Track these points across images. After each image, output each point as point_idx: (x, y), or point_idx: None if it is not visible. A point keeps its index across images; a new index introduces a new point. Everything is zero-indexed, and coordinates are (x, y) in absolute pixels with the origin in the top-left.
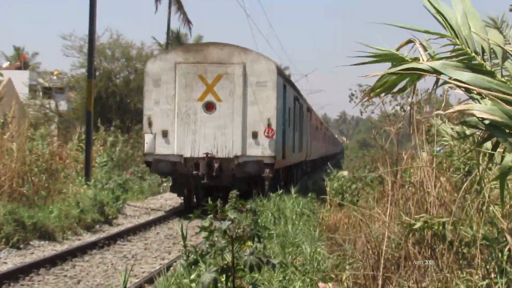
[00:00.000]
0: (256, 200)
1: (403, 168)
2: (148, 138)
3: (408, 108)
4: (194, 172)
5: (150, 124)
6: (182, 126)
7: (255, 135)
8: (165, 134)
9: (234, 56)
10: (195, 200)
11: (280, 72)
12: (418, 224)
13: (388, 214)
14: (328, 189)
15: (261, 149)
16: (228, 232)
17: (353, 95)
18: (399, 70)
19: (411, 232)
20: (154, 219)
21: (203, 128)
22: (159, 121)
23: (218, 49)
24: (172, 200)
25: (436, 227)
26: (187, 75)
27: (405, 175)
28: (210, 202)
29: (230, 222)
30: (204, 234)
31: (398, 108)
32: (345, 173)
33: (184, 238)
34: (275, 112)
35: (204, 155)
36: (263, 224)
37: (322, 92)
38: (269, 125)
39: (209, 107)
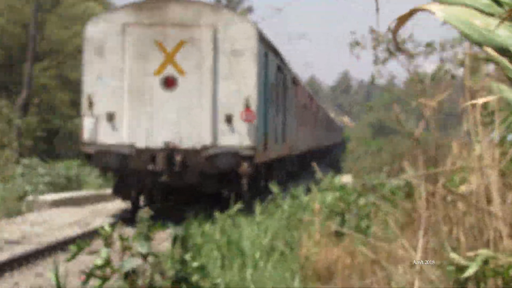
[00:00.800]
0: (191, 222)
1: (447, 171)
2: (88, 122)
3: (458, 67)
4: (149, 167)
5: (90, 104)
6: (134, 107)
7: (229, 119)
8: (111, 117)
9: (202, 16)
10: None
11: (262, 37)
12: (473, 267)
13: (420, 248)
14: (316, 205)
15: (238, 137)
16: (133, 278)
17: (357, 44)
18: None
19: (461, 280)
20: (9, 259)
21: (162, 110)
22: (104, 101)
23: (181, 7)
24: (43, 225)
25: (506, 272)
26: (140, 41)
27: (452, 182)
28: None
29: (138, 262)
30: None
31: (438, 67)
32: (347, 178)
33: None
34: (256, 90)
35: (163, 146)
36: (198, 266)
37: (305, 38)
38: (247, 106)
39: (169, 82)
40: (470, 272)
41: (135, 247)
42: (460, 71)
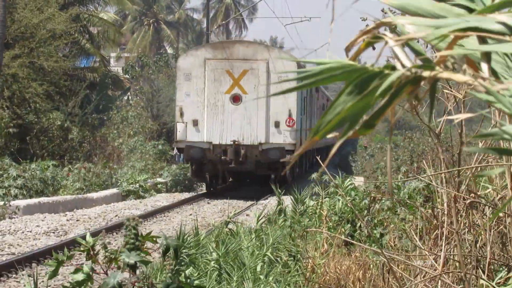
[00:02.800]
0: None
1: (474, 172)
2: (180, 127)
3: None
4: (222, 157)
5: (181, 114)
6: (211, 116)
7: (277, 124)
8: (195, 123)
9: (258, 53)
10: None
11: (300, 67)
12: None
13: (442, 261)
14: (324, 212)
15: (283, 137)
16: None
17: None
18: None
19: None
20: None
21: (230, 118)
22: (190, 112)
23: (244, 47)
24: (16, 234)
25: None
26: (216, 70)
27: (479, 185)
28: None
29: (123, 275)
30: None
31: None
32: (359, 180)
33: None
34: (295, 104)
35: (232, 143)
36: (194, 282)
37: (306, 21)
38: (290, 116)
39: (236, 99)
40: None
41: (122, 258)
42: None
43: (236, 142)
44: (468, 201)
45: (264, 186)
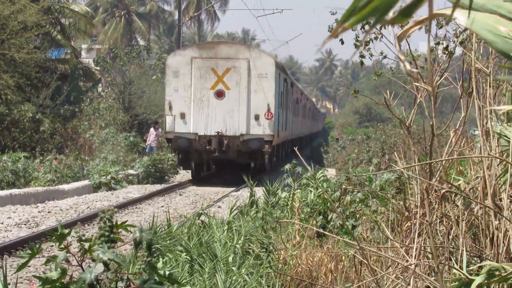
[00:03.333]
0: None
1: (445, 163)
2: (169, 119)
3: (457, 44)
4: (207, 147)
5: (170, 108)
6: (197, 109)
7: (257, 117)
8: (183, 116)
9: (240, 53)
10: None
11: (278, 65)
12: (478, 280)
13: (415, 253)
14: (296, 204)
15: (262, 128)
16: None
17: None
18: None
19: None
20: None
21: (214, 111)
22: (178, 105)
23: (227, 47)
24: None
25: None
26: (201, 68)
27: (450, 175)
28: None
29: (101, 269)
30: None
31: (435, 45)
32: (331, 172)
33: None
34: (273, 99)
35: (216, 133)
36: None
37: (278, 13)
38: (268, 110)
39: (219, 94)
40: (475, 284)
41: (97, 252)
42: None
43: (219, 133)
44: (443, 191)
45: (245, 173)
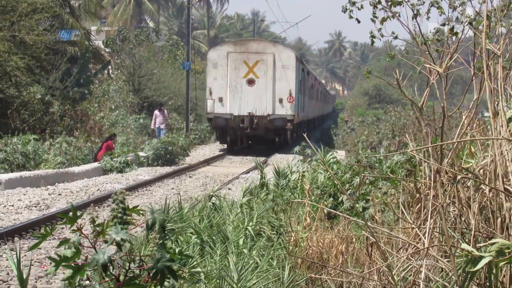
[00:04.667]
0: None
1: (456, 145)
2: (209, 102)
3: (467, 26)
4: (240, 125)
5: (210, 93)
6: (232, 94)
7: (281, 101)
8: (221, 100)
9: (267, 48)
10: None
11: (298, 58)
12: (486, 257)
13: (426, 234)
14: (306, 186)
15: (285, 110)
16: (111, 268)
17: (354, 3)
18: None
19: (472, 271)
20: None
21: (246, 96)
22: (217, 91)
23: (256, 43)
24: None
25: None
26: (236, 60)
27: (461, 158)
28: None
29: (114, 250)
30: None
31: (445, 27)
32: (341, 154)
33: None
34: (294, 86)
35: (247, 114)
36: (179, 254)
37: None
38: (290, 94)
39: (250, 82)
40: (482, 263)
41: (109, 233)
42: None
43: (250, 114)
44: (458, 177)
45: (271, 146)
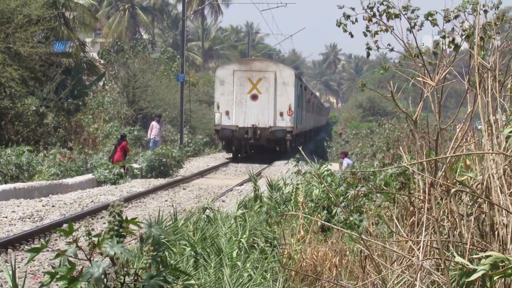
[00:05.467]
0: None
1: (451, 158)
2: (217, 115)
3: (463, 39)
4: (245, 135)
5: (218, 107)
6: (237, 108)
7: (281, 114)
8: (227, 113)
9: (269, 67)
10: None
11: (297, 76)
12: (480, 270)
13: (421, 248)
14: (300, 198)
15: (285, 122)
16: (105, 281)
17: (348, 17)
18: None
19: (465, 285)
20: None
21: (250, 109)
22: (224, 105)
23: (260, 62)
24: None
25: None
26: (241, 78)
27: (455, 171)
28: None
29: (109, 263)
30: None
31: (441, 40)
32: (334, 167)
33: None
34: (294, 100)
35: (251, 126)
36: (173, 266)
37: (282, 7)
38: (290, 108)
39: (254, 97)
40: (476, 275)
41: (105, 247)
42: (464, 44)
43: (254, 125)
44: (452, 190)
45: (272, 155)
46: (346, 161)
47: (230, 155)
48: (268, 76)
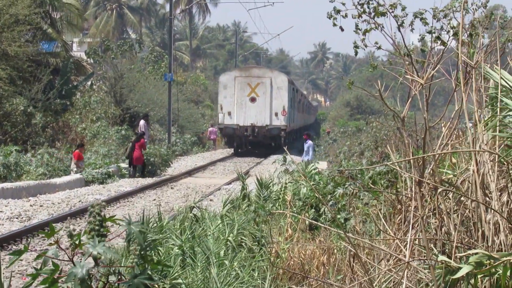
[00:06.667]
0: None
1: (438, 156)
2: (220, 116)
3: (451, 37)
4: (245, 133)
5: (221, 108)
6: (238, 109)
7: (276, 114)
8: (229, 113)
9: (266, 73)
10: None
11: (290, 81)
12: (465, 269)
13: (408, 246)
14: (288, 197)
15: (279, 121)
16: (88, 281)
17: (339, 11)
18: None
19: (450, 282)
20: None
21: (249, 110)
22: (226, 107)
23: (257, 69)
24: None
25: (502, 272)
26: (241, 83)
27: (442, 169)
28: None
29: (93, 263)
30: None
31: (428, 37)
32: (323, 165)
33: None
34: (287, 102)
35: (250, 124)
36: (158, 264)
37: (269, 6)
38: (283, 109)
39: (253, 99)
40: (461, 273)
41: (87, 246)
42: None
43: (252, 124)
44: (439, 190)
45: (268, 149)
46: (309, 143)
47: (232, 150)
48: (265, 81)
